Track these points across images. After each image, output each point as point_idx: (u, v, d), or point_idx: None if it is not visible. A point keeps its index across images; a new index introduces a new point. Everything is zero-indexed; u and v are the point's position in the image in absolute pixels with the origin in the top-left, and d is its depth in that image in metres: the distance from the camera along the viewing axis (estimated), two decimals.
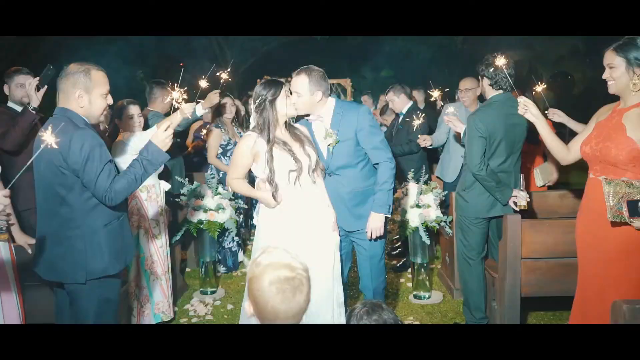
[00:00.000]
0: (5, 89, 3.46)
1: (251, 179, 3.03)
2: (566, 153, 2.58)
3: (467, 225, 3.33)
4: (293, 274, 1.39)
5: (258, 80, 7.52)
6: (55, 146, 1.76)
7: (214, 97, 3.57)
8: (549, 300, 3.37)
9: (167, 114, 4.12)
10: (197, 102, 3.47)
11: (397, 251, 5.06)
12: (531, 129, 2.86)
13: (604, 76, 2.36)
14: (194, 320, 3.82)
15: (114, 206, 2.26)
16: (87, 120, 2.29)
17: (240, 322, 2.93)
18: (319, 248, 2.71)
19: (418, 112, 4.68)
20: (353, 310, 1.60)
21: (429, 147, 4.37)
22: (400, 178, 3.94)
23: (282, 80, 2.81)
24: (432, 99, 5.06)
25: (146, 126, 3.61)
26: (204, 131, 5.20)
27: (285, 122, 2.74)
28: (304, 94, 2.74)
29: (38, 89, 3.15)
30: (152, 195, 3.58)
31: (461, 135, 3.64)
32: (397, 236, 4.62)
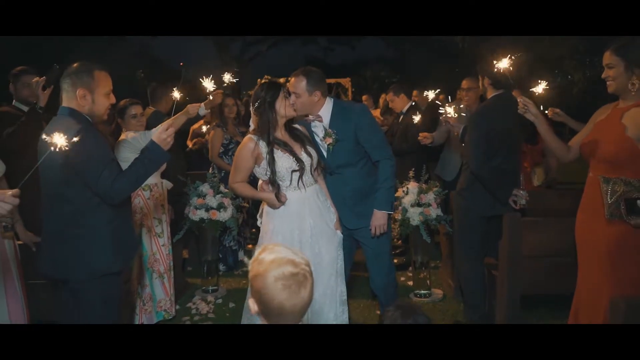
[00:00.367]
0: (11, 88, 3.49)
1: (252, 180, 3.04)
2: (566, 151, 2.60)
3: (467, 224, 3.35)
4: (297, 270, 1.40)
5: (259, 80, 7.53)
6: (62, 146, 1.78)
7: (216, 98, 3.58)
8: (549, 299, 3.39)
9: (169, 113, 4.15)
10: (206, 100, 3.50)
11: (398, 250, 5.08)
12: (529, 129, 2.88)
13: (603, 76, 2.38)
14: (196, 319, 3.84)
15: (117, 204, 2.28)
16: (90, 119, 2.31)
17: (242, 321, 2.94)
18: (322, 246, 2.73)
19: (418, 112, 4.70)
20: (387, 312, 1.59)
21: (429, 145, 4.38)
22: (400, 177, 3.96)
23: (281, 81, 2.82)
24: (430, 100, 5.08)
25: (148, 126, 3.63)
26: (205, 129, 5.24)
27: (285, 123, 2.75)
28: (303, 94, 2.75)
29: (44, 88, 3.17)
30: (154, 193, 3.61)
31: (459, 135, 3.66)
32: (398, 235, 4.63)
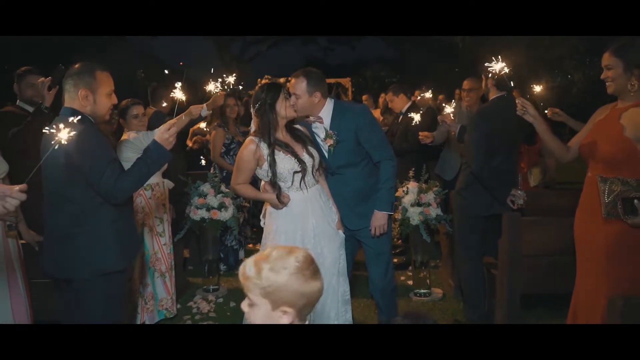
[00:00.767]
0: (15, 88, 3.51)
1: (253, 180, 3.05)
2: (565, 151, 2.61)
3: (466, 223, 3.36)
4: (311, 257, 1.43)
5: (259, 80, 7.55)
6: (65, 143, 1.79)
7: (219, 99, 3.60)
8: (549, 298, 3.40)
9: (170, 113, 4.16)
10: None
11: (398, 249, 5.09)
12: (527, 129, 2.89)
13: (603, 77, 2.39)
14: (197, 318, 3.86)
15: (120, 204, 2.29)
16: (92, 119, 2.32)
17: (243, 321, 2.94)
18: (324, 246, 2.74)
19: (417, 112, 4.71)
20: (395, 321, 1.57)
21: (430, 145, 4.40)
22: (400, 176, 3.98)
23: (281, 81, 2.82)
24: (429, 100, 5.10)
25: (149, 126, 3.64)
26: (204, 126, 5.26)
27: (286, 124, 2.75)
28: (303, 95, 2.76)
29: (50, 88, 3.19)
30: (156, 193, 3.62)
31: (456, 135, 3.68)
32: (398, 235, 4.65)
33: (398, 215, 3.98)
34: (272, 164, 2.64)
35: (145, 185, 3.36)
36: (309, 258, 1.44)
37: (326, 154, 2.90)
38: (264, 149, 2.66)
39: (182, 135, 5.05)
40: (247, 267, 1.46)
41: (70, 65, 2.35)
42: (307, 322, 1.49)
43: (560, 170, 5.23)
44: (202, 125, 5.38)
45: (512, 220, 3.08)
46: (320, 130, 2.87)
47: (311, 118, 2.87)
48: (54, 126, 1.89)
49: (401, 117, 5.08)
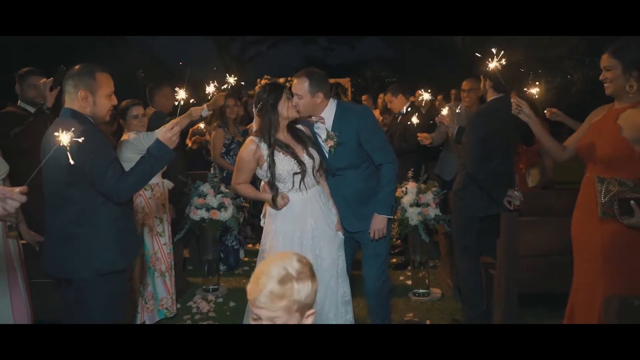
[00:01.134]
0: (17, 88, 3.52)
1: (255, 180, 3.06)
2: (561, 151, 2.62)
3: (463, 223, 3.37)
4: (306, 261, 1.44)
5: (259, 80, 7.56)
6: (65, 147, 1.80)
7: (219, 99, 3.61)
8: (547, 297, 3.41)
9: (171, 114, 4.17)
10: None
11: (397, 249, 5.10)
12: (525, 131, 2.90)
13: (601, 78, 2.40)
14: (197, 318, 3.87)
15: (123, 203, 2.31)
16: (92, 120, 2.33)
17: (244, 321, 2.95)
18: (323, 248, 2.73)
19: (416, 112, 4.72)
20: None
21: (429, 146, 4.42)
22: (399, 177, 3.99)
23: (283, 82, 2.81)
24: (428, 101, 5.11)
25: (149, 126, 3.65)
26: (203, 127, 5.27)
27: (288, 124, 2.75)
28: (305, 96, 2.75)
29: (52, 89, 3.20)
30: (156, 193, 3.64)
31: (454, 136, 3.69)
32: (397, 235, 4.67)
33: (397, 216, 3.99)
34: (272, 164, 2.64)
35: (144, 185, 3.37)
36: (302, 256, 1.45)
37: (327, 155, 2.89)
38: (264, 150, 2.66)
39: (182, 135, 5.05)
40: (269, 294, 1.36)
41: (72, 66, 2.35)
42: None
43: (558, 170, 5.24)
44: (202, 125, 5.39)
45: (510, 220, 3.09)
46: (321, 131, 2.86)
47: (313, 118, 2.86)
48: (54, 129, 1.91)
49: (400, 117, 5.09)
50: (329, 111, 2.84)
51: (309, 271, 1.42)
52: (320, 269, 2.65)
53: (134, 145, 3.32)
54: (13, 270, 2.73)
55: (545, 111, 3.64)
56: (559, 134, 3.54)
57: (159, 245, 3.65)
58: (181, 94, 2.81)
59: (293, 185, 2.69)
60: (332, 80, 10.81)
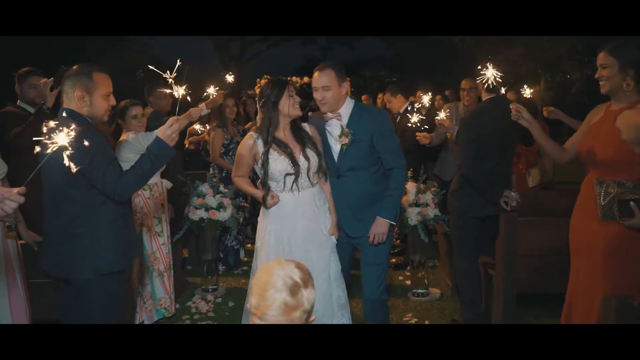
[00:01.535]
0: (17, 88, 3.51)
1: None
2: (562, 153, 2.62)
3: (461, 224, 3.37)
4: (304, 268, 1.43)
5: (258, 80, 7.56)
6: (66, 145, 1.80)
7: (218, 98, 3.60)
8: (546, 297, 3.41)
9: (169, 113, 4.17)
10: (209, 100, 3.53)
11: (396, 249, 5.10)
12: (524, 132, 2.89)
13: (597, 76, 2.39)
14: (196, 318, 3.87)
15: (119, 203, 2.30)
16: (90, 120, 2.32)
17: (242, 321, 2.95)
18: (313, 251, 2.68)
19: (415, 112, 4.72)
20: None
21: (428, 146, 4.42)
22: None
23: (286, 80, 2.76)
24: (419, 102, 5.11)
25: (147, 126, 3.64)
26: (198, 128, 5.28)
27: (292, 123, 2.70)
28: (333, 86, 2.68)
29: (52, 89, 3.20)
30: (154, 193, 3.64)
31: (454, 137, 3.68)
32: (396, 235, 4.67)
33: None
34: (265, 163, 2.63)
35: (145, 183, 3.36)
36: (298, 262, 1.44)
37: (335, 155, 2.80)
38: (260, 147, 2.65)
39: (180, 135, 5.05)
40: (283, 306, 1.34)
41: (72, 66, 2.35)
42: None
43: (558, 170, 5.24)
44: (197, 126, 5.42)
45: (510, 220, 3.09)
46: (335, 128, 2.78)
47: (329, 114, 2.79)
48: (52, 128, 1.90)
49: (399, 117, 5.08)
50: (347, 108, 2.78)
51: (310, 277, 1.41)
52: (312, 272, 2.62)
53: (133, 145, 3.32)
54: (12, 270, 2.73)
55: (543, 109, 3.65)
56: (559, 134, 3.54)
57: (158, 245, 3.65)
58: (181, 91, 2.80)
59: (284, 186, 2.66)
60: None
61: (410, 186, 4.06)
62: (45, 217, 2.32)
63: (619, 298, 1.91)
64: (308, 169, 2.67)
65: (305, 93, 7.89)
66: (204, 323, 3.77)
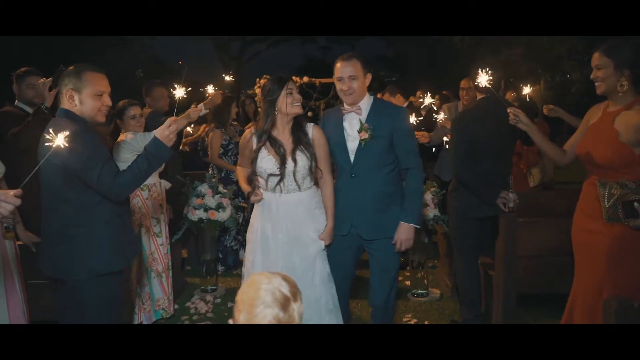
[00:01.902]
0: (15, 88, 3.50)
1: None
2: (562, 155, 2.61)
3: (459, 224, 3.37)
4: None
5: (258, 79, 7.55)
6: (59, 147, 1.79)
7: (216, 98, 3.60)
8: (545, 297, 3.40)
9: (167, 113, 4.17)
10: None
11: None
12: (523, 132, 2.88)
13: (592, 77, 2.39)
14: (195, 318, 3.86)
15: (116, 204, 2.29)
16: (86, 120, 2.31)
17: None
18: (296, 254, 2.64)
19: (415, 112, 4.71)
20: None
21: (427, 145, 4.42)
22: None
23: (287, 77, 2.73)
24: (427, 103, 5.10)
25: (145, 126, 3.63)
26: (190, 130, 5.29)
27: (295, 121, 2.65)
28: (360, 75, 2.63)
29: (50, 89, 3.19)
30: (153, 193, 3.63)
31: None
32: None
33: None
34: (254, 160, 2.64)
35: (142, 185, 3.36)
36: (284, 274, 1.44)
37: (351, 154, 2.70)
38: (254, 143, 2.65)
39: (178, 135, 5.06)
40: (273, 322, 1.34)
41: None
42: None
43: (558, 170, 5.24)
44: (189, 129, 5.45)
45: (509, 221, 3.08)
46: (354, 122, 2.69)
47: (348, 107, 2.71)
48: (49, 130, 1.89)
49: None
50: (367, 102, 2.71)
51: (298, 289, 1.39)
52: (294, 275, 2.55)
53: (132, 145, 3.31)
54: (9, 271, 2.72)
55: (543, 108, 3.64)
56: (559, 133, 3.54)
57: (156, 246, 3.64)
58: (180, 91, 2.79)
59: (267, 186, 2.66)
60: (331, 80, 10.79)
61: None
62: (42, 217, 2.31)
63: (619, 300, 1.90)
64: (295, 172, 2.61)
65: (305, 93, 7.88)
66: (202, 323, 3.76)
